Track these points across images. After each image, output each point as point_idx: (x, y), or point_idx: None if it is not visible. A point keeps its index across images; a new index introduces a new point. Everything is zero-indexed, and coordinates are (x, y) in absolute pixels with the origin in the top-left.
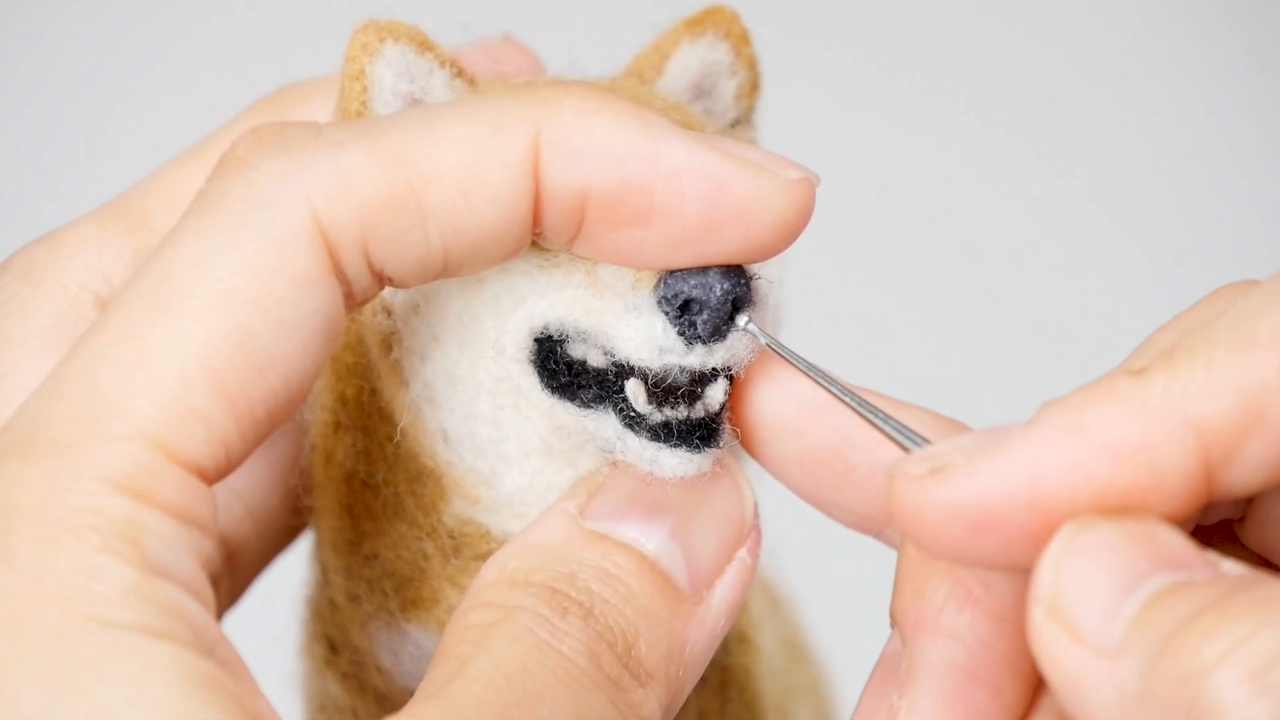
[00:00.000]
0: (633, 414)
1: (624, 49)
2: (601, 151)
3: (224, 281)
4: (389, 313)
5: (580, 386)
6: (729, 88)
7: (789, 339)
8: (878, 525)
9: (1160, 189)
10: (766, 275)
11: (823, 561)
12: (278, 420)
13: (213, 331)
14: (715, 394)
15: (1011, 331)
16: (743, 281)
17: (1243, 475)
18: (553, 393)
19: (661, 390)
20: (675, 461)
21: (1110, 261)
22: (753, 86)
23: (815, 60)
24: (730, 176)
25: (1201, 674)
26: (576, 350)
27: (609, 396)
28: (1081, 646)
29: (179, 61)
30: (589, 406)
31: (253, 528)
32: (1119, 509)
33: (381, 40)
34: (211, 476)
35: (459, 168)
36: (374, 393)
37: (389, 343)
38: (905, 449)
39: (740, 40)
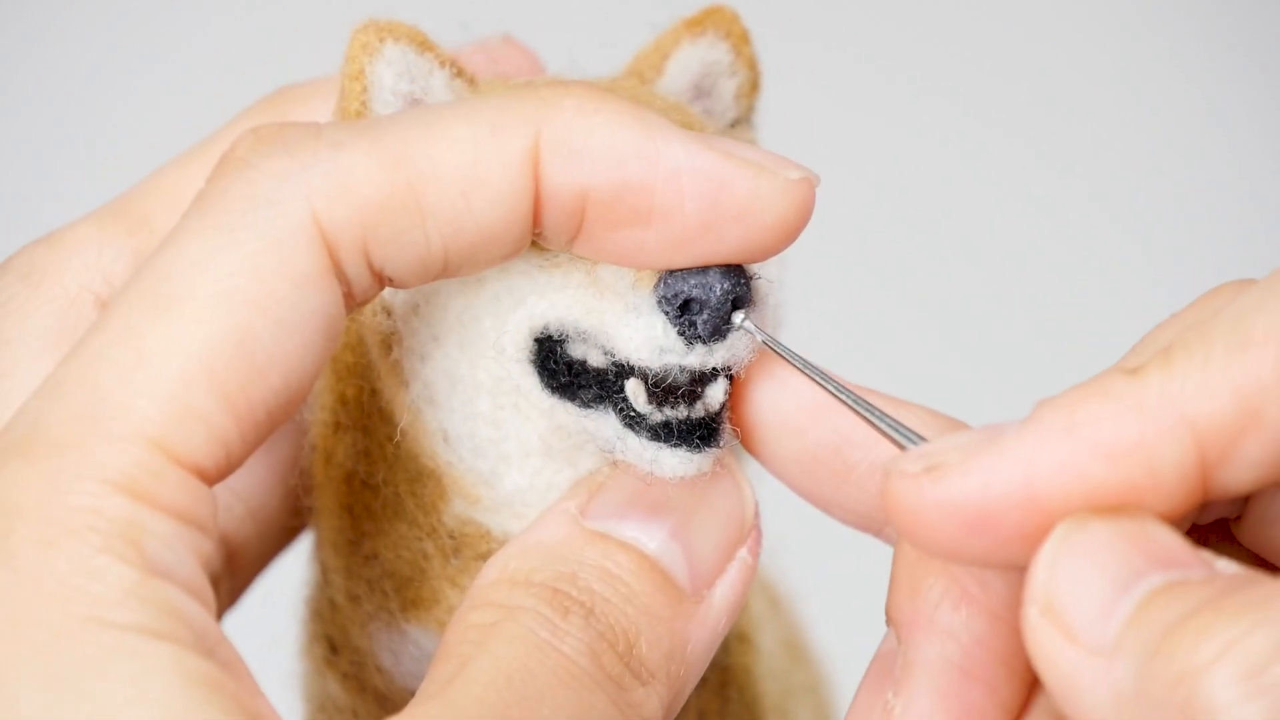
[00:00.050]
0: (633, 414)
1: (624, 49)
2: (601, 151)
3: (224, 282)
4: (389, 313)
5: (580, 386)
6: (729, 88)
7: (789, 339)
8: (878, 524)
9: (1159, 189)
10: (766, 275)
11: (823, 561)
12: (278, 420)
13: (213, 332)
14: (715, 394)
15: (1011, 331)
16: (743, 281)
17: (1239, 474)
18: (553, 393)
19: (661, 390)
20: (675, 461)
21: (1109, 261)
22: (753, 86)
23: (815, 60)
24: (730, 176)
25: (1195, 674)
26: (576, 350)
27: (609, 396)
28: (1076, 645)
29: (179, 61)
30: (589, 406)
31: (253, 528)
32: (1114, 508)
33: (381, 40)
34: (212, 477)
35: (459, 168)
36: (374, 393)
37: (389, 343)
38: (901, 447)
39: (740, 40)
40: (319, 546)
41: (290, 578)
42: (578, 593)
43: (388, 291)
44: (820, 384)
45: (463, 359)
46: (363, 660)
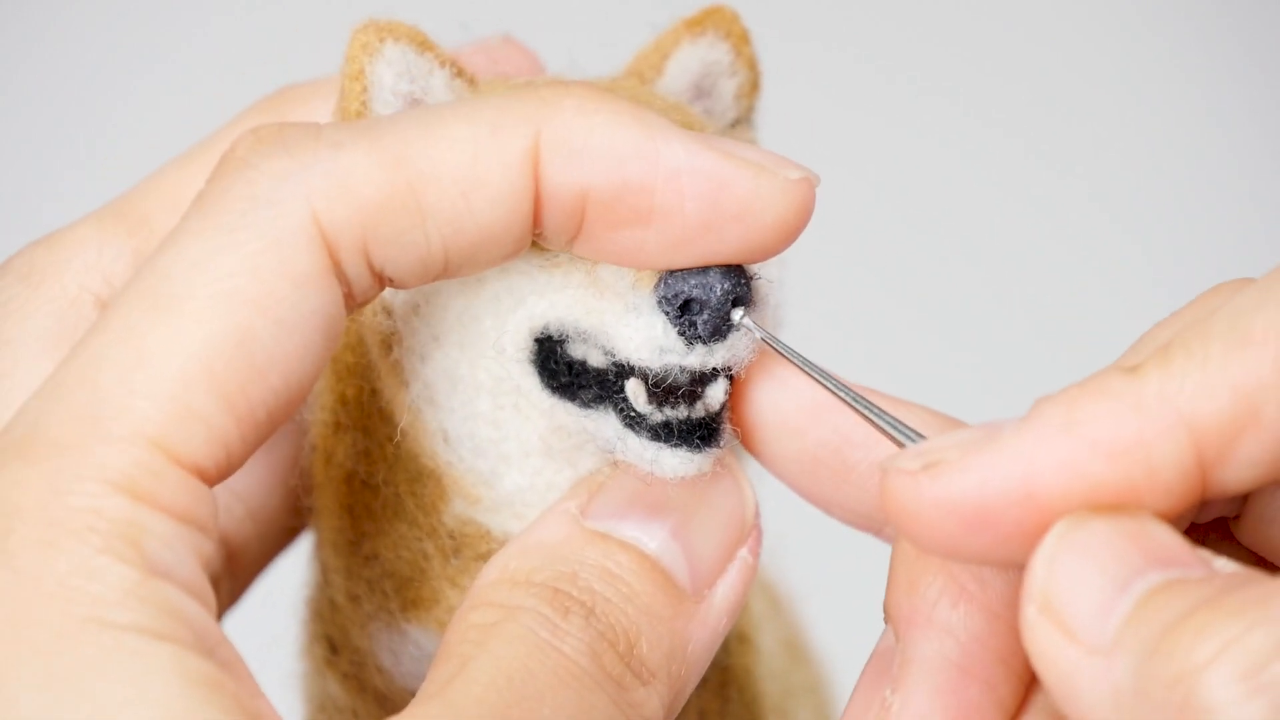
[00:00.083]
0: (633, 414)
1: (624, 49)
2: (601, 151)
3: (224, 282)
4: (389, 313)
5: (580, 386)
6: (729, 88)
7: (789, 339)
8: (878, 524)
9: (1158, 188)
10: (767, 275)
11: (823, 561)
12: (278, 421)
13: (212, 332)
14: (715, 394)
15: (1010, 331)
16: (743, 281)
17: (1238, 472)
18: (553, 393)
19: (662, 390)
20: (676, 461)
21: (1108, 260)
22: (753, 86)
23: (815, 60)
24: (730, 176)
25: (1193, 673)
26: (577, 350)
27: (609, 396)
28: (1075, 644)
29: (179, 61)
30: (589, 406)
31: (253, 528)
32: (1113, 506)
33: (381, 40)
34: (212, 477)
35: (459, 168)
36: (374, 393)
37: (389, 343)
38: (900, 444)
39: (740, 40)
40: (319, 547)
41: (290, 578)
42: (578, 593)
43: (388, 291)
44: (820, 381)
45: (463, 359)
46: (363, 660)
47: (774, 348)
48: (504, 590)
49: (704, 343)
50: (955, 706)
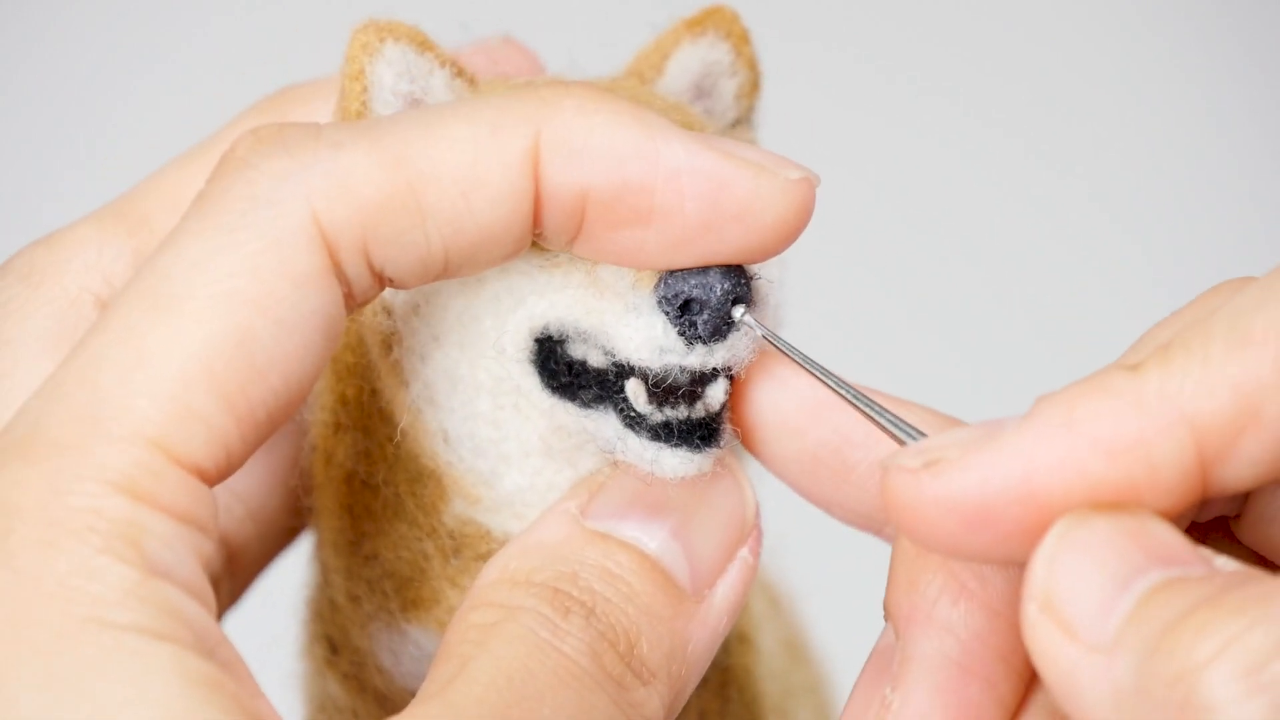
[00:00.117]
0: (633, 414)
1: (624, 49)
2: (601, 151)
3: (224, 282)
4: (389, 313)
5: (580, 386)
6: (729, 88)
7: (788, 339)
8: (878, 523)
9: (1158, 188)
10: (767, 275)
11: (823, 561)
12: (278, 421)
13: (212, 332)
14: (716, 394)
15: (1011, 331)
16: (743, 281)
17: (1238, 471)
18: (553, 393)
19: (662, 390)
20: (676, 461)
21: (1108, 260)
22: (753, 86)
23: (815, 60)
24: (730, 176)
25: (1194, 672)
26: (577, 350)
27: (609, 396)
28: (1075, 642)
29: (179, 61)
30: (589, 406)
31: (253, 529)
32: (1114, 504)
33: (382, 40)
34: (212, 477)
35: (459, 168)
36: (374, 393)
37: (389, 343)
38: (901, 442)
39: (741, 40)
40: (319, 547)
41: (290, 578)
42: (578, 593)
43: (388, 292)
44: (820, 379)
45: (463, 359)
46: (363, 660)
47: (775, 345)
48: (504, 590)
49: (704, 343)
50: (955, 704)
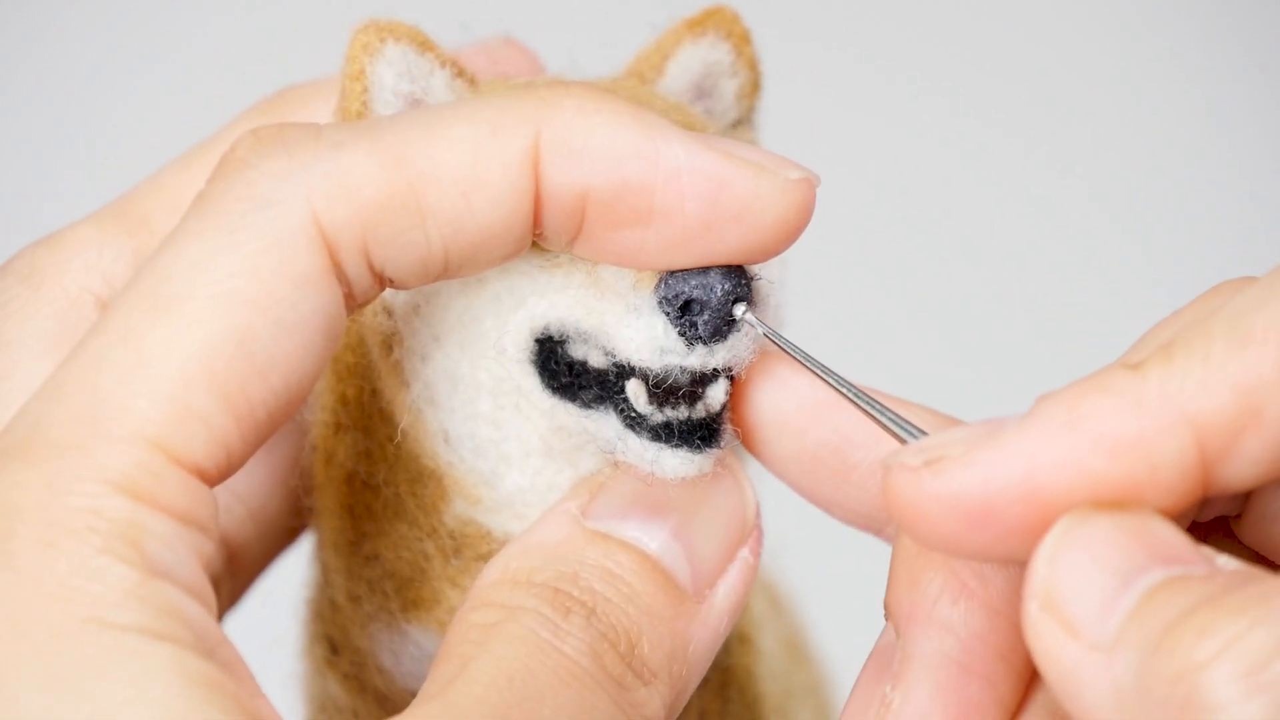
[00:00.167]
0: (634, 414)
1: (624, 49)
2: (601, 151)
3: (224, 282)
4: (390, 313)
5: (581, 387)
6: (730, 88)
7: (789, 339)
8: (879, 523)
9: (1158, 188)
10: (767, 276)
11: (823, 561)
12: (278, 421)
13: (212, 332)
14: (716, 394)
15: (1011, 331)
16: (743, 282)
17: (1239, 470)
18: (554, 393)
19: (662, 391)
20: (676, 462)
21: (1108, 260)
22: (754, 87)
23: (815, 60)
24: (730, 176)
25: (1196, 671)
26: (577, 351)
27: (610, 397)
28: (1077, 641)
29: (179, 62)
30: (590, 407)
31: (254, 529)
32: (1115, 503)
33: (382, 40)
34: (212, 478)
35: (459, 168)
36: (375, 393)
37: (390, 343)
38: (902, 440)
39: (741, 41)
40: (320, 547)
41: (290, 578)
42: (579, 593)
43: (389, 292)
44: (821, 377)
45: (464, 359)
46: (363, 661)
47: (776, 343)
48: (505, 590)
49: (704, 343)
50: (955, 703)
